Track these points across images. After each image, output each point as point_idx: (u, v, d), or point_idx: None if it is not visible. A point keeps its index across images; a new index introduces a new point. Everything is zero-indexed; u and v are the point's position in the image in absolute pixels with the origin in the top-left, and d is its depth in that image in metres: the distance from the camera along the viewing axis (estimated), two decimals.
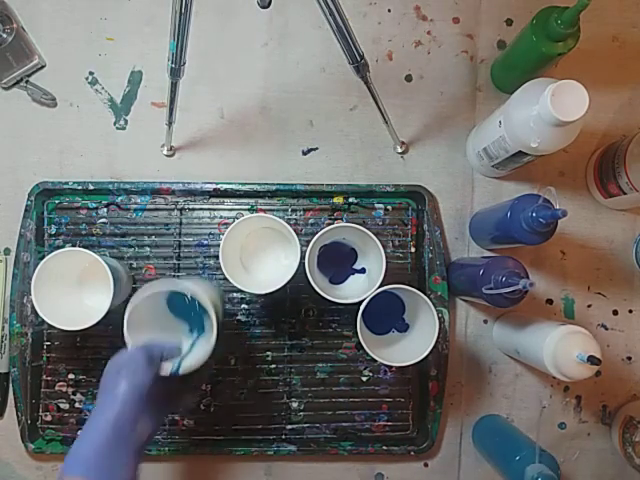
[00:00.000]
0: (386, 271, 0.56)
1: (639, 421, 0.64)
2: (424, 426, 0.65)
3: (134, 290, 0.64)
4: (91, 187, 0.64)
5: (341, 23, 0.48)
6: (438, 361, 0.64)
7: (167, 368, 0.47)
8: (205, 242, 0.65)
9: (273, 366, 0.65)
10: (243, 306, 0.65)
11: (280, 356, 0.65)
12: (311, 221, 0.66)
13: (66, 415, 0.64)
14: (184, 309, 0.54)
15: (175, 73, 0.53)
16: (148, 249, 0.65)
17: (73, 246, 0.63)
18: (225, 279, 0.55)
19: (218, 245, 0.56)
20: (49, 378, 0.64)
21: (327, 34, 0.51)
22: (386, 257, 0.56)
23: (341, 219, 0.66)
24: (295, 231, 0.55)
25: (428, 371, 0.64)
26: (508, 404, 0.67)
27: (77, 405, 0.64)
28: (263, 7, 0.45)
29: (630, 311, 0.68)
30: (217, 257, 0.55)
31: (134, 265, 0.65)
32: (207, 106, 0.68)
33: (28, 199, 0.63)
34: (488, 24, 0.69)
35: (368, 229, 0.56)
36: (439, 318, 0.56)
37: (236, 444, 0.64)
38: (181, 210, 0.66)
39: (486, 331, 0.68)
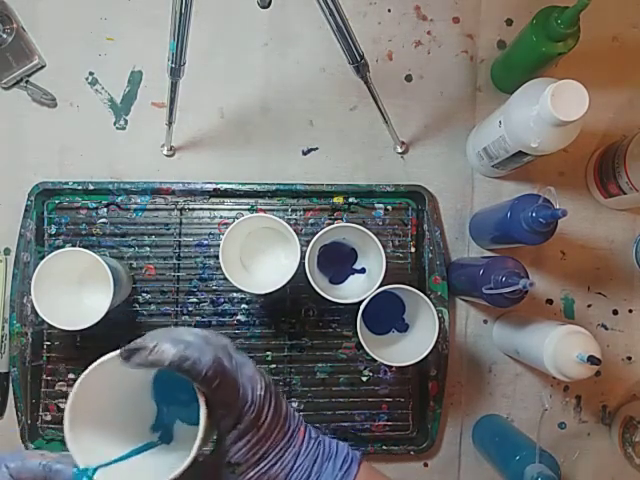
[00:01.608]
0: (386, 271, 0.56)
1: (639, 421, 0.64)
2: (424, 426, 0.65)
3: (134, 290, 0.64)
4: (91, 187, 0.64)
5: (341, 23, 0.48)
6: (438, 361, 0.64)
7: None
8: (205, 242, 0.66)
9: (273, 366, 0.65)
10: (243, 306, 0.65)
11: (280, 356, 0.65)
12: (311, 221, 0.66)
13: None
14: (170, 394, 0.40)
15: (175, 73, 0.53)
16: (148, 249, 0.65)
17: (73, 246, 0.63)
18: (225, 279, 0.55)
19: (218, 245, 0.56)
20: (49, 378, 0.64)
21: (327, 34, 0.51)
22: (386, 257, 0.56)
23: (341, 219, 0.66)
24: (295, 231, 0.55)
25: (428, 371, 0.64)
26: (508, 404, 0.67)
27: None
28: (263, 7, 0.45)
29: (630, 311, 0.68)
30: (217, 257, 0.55)
31: (134, 265, 0.65)
32: (207, 106, 0.68)
33: (28, 199, 0.63)
34: (488, 24, 0.69)
35: (368, 229, 0.56)
36: (439, 318, 0.56)
37: None
38: (181, 210, 0.66)
39: (486, 331, 0.68)
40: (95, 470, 0.32)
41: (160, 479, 0.32)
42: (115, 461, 0.34)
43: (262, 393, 0.35)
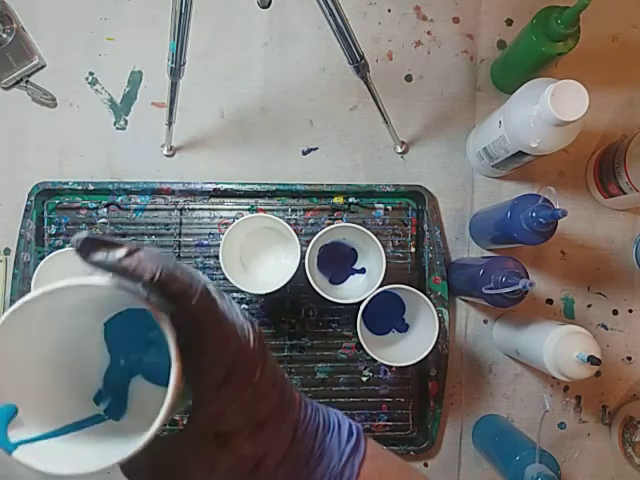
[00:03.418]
0: (386, 271, 0.56)
1: (639, 421, 0.65)
2: (424, 426, 0.65)
3: None
4: (91, 187, 0.64)
5: (341, 23, 0.48)
6: (438, 361, 0.64)
7: None
8: (205, 242, 0.66)
9: None
10: (243, 306, 0.65)
11: (280, 356, 0.65)
12: (311, 221, 0.66)
13: None
14: (131, 339, 0.31)
15: (175, 73, 0.53)
16: None
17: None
18: (225, 279, 0.55)
19: (218, 245, 0.56)
20: None
21: (327, 34, 0.51)
22: (386, 257, 0.56)
23: (341, 219, 0.66)
24: (295, 231, 0.55)
25: (428, 371, 0.64)
26: (508, 404, 0.67)
27: None
28: (263, 7, 0.45)
29: (630, 311, 0.68)
30: (217, 257, 0.55)
31: None
32: (207, 106, 0.68)
33: (28, 199, 0.63)
34: (488, 24, 0.69)
35: (368, 229, 0.56)
36: (439, 318, 0.56)
37: None
38: (181, 210, 0.66)
39: (486, 331, 0.68)
40: (16, 445, 0.24)
41: (109, 458, 0.23)
42: (44, 437, 0.25)
43: (255, 345, 0.28)
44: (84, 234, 0.23)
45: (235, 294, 0.65)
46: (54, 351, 0.28)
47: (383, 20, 0.69)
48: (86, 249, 0.23)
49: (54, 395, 0.28)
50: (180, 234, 0.66)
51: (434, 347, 0.55)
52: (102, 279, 0.25)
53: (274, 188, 0.65)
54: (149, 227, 0.65)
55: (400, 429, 0.66)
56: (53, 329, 0.27)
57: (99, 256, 0.23)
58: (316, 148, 0.68)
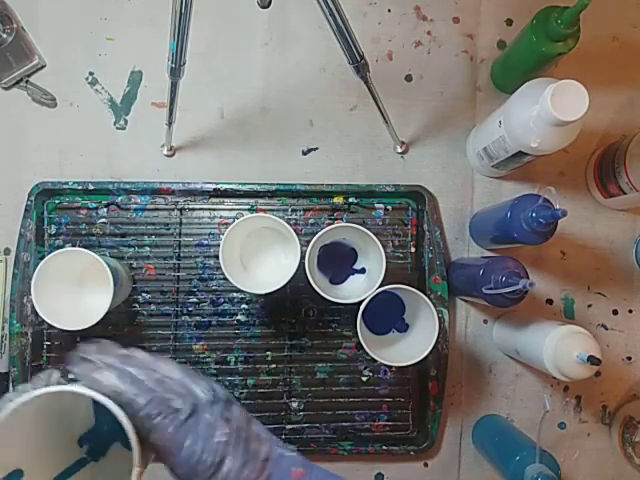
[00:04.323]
0: (386, 271, 0.56)
1: (639, 421, 0.65)
2: (424, 426, 0.65)
3: (134, 290, 0.64)
4: (91, 187, 0.64)
5: (341, 23, 0.48)
6: (438, 361, 0.64)
7: None
8: (205, 242, 0.66)
9: (273, 366, 0.65)
10: (243, 306, 0.65)
11: (280, 356, 0.65)
12: (311, 221, 0.66)
13: None
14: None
15: (175, 73, 0.53)
16: (148, 249, 0.65)
17: (73, 246, 0.63)
18: (225, 279, 0.55)
19: (218, 245, 0.56)
20: None
21: (327, 34, 0.51)
22: (386, 257, 0.56)
23: (341, 219, 0.66)
24: (295, 231, 0.55)
25: (428, 371, 0.64)
26: (508, 404, 0.67)
27: None
28: (263, 7, 0.45)
29: (630, 311, 0.68)
30: (217, 257, 0.55)
31: (134, 265, 0.65)
32: (207, 106, 0.68)
33: (28, 199, 0.63)
34: (488, 24, 0.69)
35: (368, 229, 0.56)
36: (439, 318, 0.56)
37: None
38: (181, 210, 0.66)
39: (486, 331, 0.68)
40: None
41: None
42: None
43: (221, 439, 0.32)
44: (79, 353, 0.33)
45: (235, 294, 0.65)
46: (48, 404, 0.33)
47: (383, 20, 0.69)
48: (70, 361, 0.33)
49: (46, 439, 0.33)
50: (180, 234, 0.66)
51: (434, 347, 0.55)
52: (92, 392, 0.31)
53: (274, 188, 0.65)
54: (149, 227, 0.65)
55: (400, 429, 0.66)
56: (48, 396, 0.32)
57: (74, 371, 0.33)
58: (316, 148, 0.68)
